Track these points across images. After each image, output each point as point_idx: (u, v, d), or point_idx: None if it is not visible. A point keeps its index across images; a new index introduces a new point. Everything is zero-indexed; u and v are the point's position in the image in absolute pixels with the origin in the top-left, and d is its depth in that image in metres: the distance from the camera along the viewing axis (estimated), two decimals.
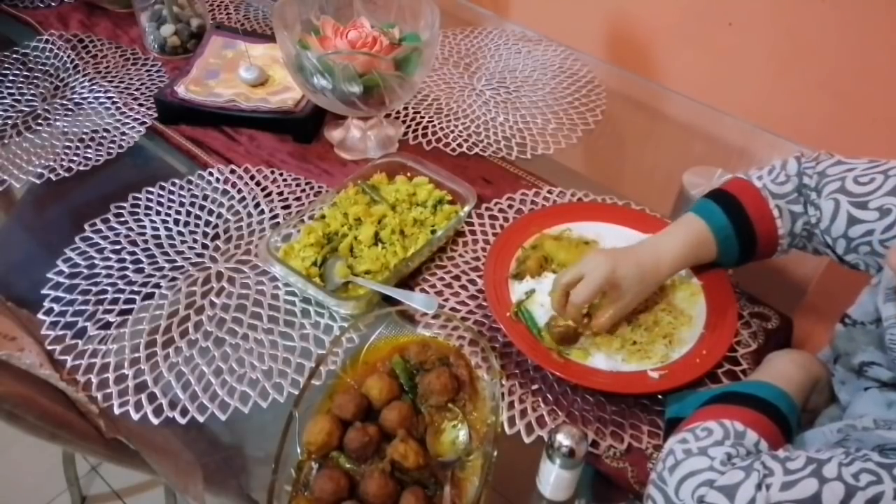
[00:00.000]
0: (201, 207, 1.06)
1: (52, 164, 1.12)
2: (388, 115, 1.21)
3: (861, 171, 0.77)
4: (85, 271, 0.96)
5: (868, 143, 1.18)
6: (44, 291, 0.93)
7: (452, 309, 0.93)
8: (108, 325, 0.89)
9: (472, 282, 0.96)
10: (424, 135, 1.21)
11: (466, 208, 1.01)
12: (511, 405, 0.82)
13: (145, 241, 1.00)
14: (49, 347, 0.86)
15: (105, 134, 1.18)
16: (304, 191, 1.09)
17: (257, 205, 1.06)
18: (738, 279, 0.95)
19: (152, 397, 0.82)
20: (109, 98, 1.25)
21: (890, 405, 0.65)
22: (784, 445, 0.66)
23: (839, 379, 0.75)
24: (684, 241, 0.83)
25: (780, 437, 0.66)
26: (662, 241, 0.84)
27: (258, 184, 1.10)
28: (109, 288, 0.94)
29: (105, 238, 1.00)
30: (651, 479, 0.65)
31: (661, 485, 0.63)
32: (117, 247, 0.99)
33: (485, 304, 0.92)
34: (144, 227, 1.02)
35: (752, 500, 0.56)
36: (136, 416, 0.81)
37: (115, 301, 0.92)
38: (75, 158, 1.13)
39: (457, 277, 0.97)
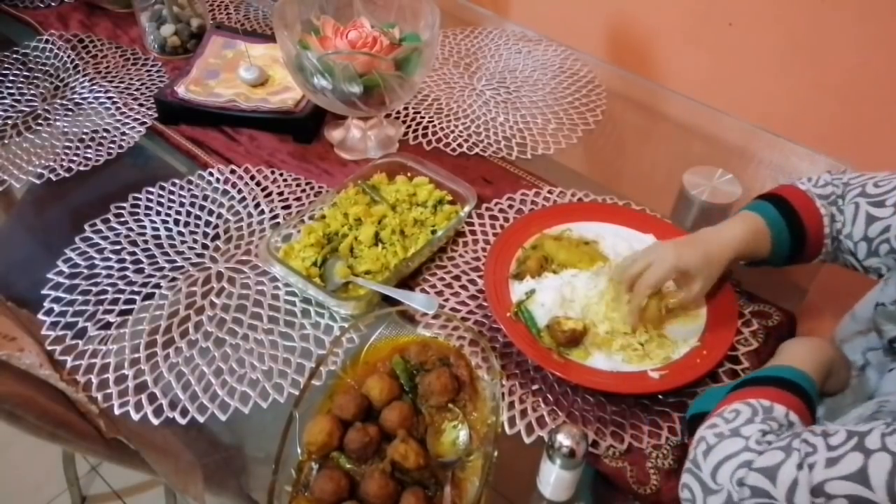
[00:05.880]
0: (201, 207, 1.06)
1: (52, 164, 1.12)
2: (388, 115, 1.21)
3: (882, 177, 0.80)
4: (85, 271, 0.96)
5: (868, 144, 1.18)
6: (44, 291, 0.93)
7: (453, 309, 0.93)
8: (108, 326, 0.89)
9: (473, 282, 0.96)
10: (424, 135, 1.21)
11: (466, 208, 1.01)
12: (511, 405, 0.82)
13: (145, 242, 1.00)
14: (49, 348, 0.86)
15: (105, 134, 1.18)
16: (304, 191, 1.09)
17: (257, 205, 1.06)
18: (739, 279, 0.95)
19: (152, 397, 0.82)
20: (109, 98, 1.25)
21: None
22: (809, 419, 0.66)
23: (874, 365, 0.75)
24: (744, 230, 0.84)
25: (805, 411, 0.66)
26: (725, 230, 0.85)
27: (258, 184, 1.10)
28: (109, 288, 0.94)
29: (105, 238, 1.00)
30: (685, 468, 0.64)
31: (696, 470, 0.62)
32: (117, 247, 0.99)
33: (485, 304, 0.92)
34: (144, 227, 1.02)
35: (795, 481, 0.55)
36: (136, 417, 0.81)
37: (115, 301, 0.92)
38: (75, 158, 1.13)
39: (457, 277, 0.97)
